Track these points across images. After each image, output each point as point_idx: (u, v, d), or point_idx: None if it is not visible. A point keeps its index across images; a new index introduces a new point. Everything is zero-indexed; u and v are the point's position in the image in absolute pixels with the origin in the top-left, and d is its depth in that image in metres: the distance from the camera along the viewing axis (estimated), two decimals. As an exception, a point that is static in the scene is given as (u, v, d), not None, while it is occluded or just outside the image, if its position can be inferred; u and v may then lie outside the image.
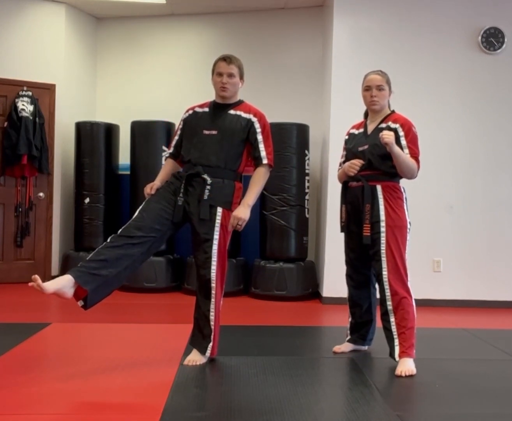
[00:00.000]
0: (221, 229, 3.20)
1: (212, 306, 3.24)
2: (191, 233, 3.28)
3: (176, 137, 3.44)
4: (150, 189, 3.32)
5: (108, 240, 3.13)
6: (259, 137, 3.27)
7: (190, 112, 3.40)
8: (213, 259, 3.19)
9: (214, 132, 3.25)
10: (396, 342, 3.23)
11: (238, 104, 3.35)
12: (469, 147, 5.51)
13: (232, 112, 3.30)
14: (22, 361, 3.29)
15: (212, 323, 3.25)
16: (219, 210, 3.20)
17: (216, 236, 3.19)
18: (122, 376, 3.05)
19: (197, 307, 3.31)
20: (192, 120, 3.35)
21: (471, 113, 5.51)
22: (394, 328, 3.24)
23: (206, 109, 3.35)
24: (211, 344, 3.27)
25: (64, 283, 2.93)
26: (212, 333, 3.26)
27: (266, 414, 2.53)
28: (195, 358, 3.27)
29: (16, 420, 2.45)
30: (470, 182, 5.51)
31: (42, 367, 3.24)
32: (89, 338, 3.96)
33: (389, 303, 3.23)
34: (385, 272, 3.23)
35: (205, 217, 3.17)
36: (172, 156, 3.45)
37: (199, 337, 3.29)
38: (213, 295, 3.23)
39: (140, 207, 3.29)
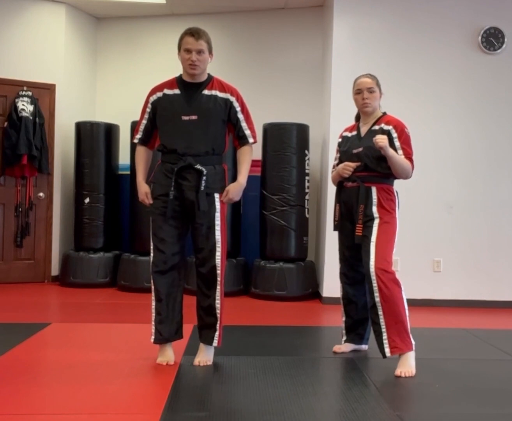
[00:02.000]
0: (221, 214, 3.22)
1: (218, 293, 3.22)
2: (191, 224, 3.25)
3: (144, 121, 3.29)
4: (147, 199, 3.28)
5: (153, 294, 3.27)
6: (240, 116, 3.23)
7: (159, 94, 3.22)
8: (217, 245, 3.20)
9: (194, 117, 3.14)
10: (384, 336, 3.18)
11: (209, 81, 3.21)
12: (469, 147, 5.51)
13: (207, 92, 3.18)
14: (22, 361, 3.29)
15: (218, 311, 3.23)
16: (216, 196, 3.20)
17: (217, 222, 3.20)
18: (122, 376, 3.04)
19: (199, 301, 3.27)
20: (164, 104, 3.20)
21: (471, 113, 5.51)
22: (382, 322, 3.18)
23: (177, 91, 3.19)
24: (217, 333, 3.25)
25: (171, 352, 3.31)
26: (218, 322, 3.24)
27: (266, 414, 2.53)
28: (204, 358, 3.25)
29: (16, 420, 2.45)
30: (470, 182, 5.51)
31: (42, 367, 3.24)
32: (89, 338, 3.95)
33: (376, 295, 3.18)
34: (372, 262, 3.20)
35: (205, 209, 3.15)
36: (142, 141, 3.32)
37: (205, 329, 3.27)
38: (218, 282, 3.22)
39: (153, 237, 3.24)
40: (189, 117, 3.15)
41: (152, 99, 3.25)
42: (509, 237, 5.49)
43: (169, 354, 3.26)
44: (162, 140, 3.24)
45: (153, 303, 3.25)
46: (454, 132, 5.51)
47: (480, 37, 5.46)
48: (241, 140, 3.26)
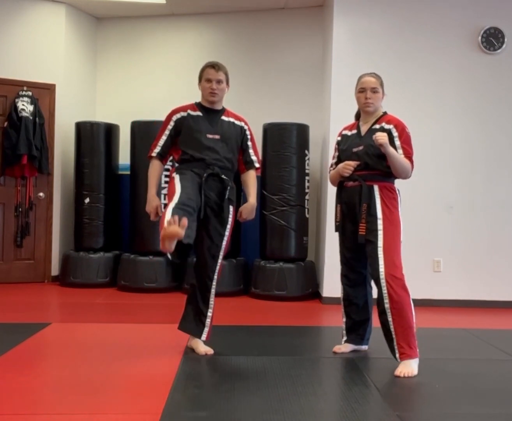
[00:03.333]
0: (231, 226, 3.47)
1: (212, 296, 3.47)
2: (203, 227, 3.38)
3: (164, 137, 3.49)
4: (155, 213, 3.42)
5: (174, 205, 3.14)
6: (249, 143, 3.57)
7: (183, 114, 3.48)
8: (221, 253, 3.46)
9: (217, 136, 3.43)
10: (395, 342, 3.21)
11: (225, 110, 3.54)
12: (469, 147, 5.51)
13: (225, 118, 3.50)
14: (22, 361, 3.29)
15: (211, 310, 3.47)
16: (231, 208, 3.46)
17: (227, 232, 3.46)
18: (122, 376, 3.05)
19: (193, 297, 3.50)
20: (189, 122, 3.45)
21: (471, 113, 5.51)
22: (392, 328, 3.20)
23: (199, 113, 3.47)
24: (207, 329, 3.48)
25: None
26: (210, 319, 3.48)
27: (266, 413, 2.53)
28: (206, 348, 3.47)
29: (16, 420, 2.45)
30: (470, 182, 5.51)
31: (42, 367, 3.24)
32: (89, 338, 3.95)
33: (386, 301, 3.19)
34: (381, 269, 3.21)
35: (227, 215, 3.42)
36: (160, 156, 3.50)
37: (195, 323, 3.48)
38: (213, 286, 3.47)
39: (181, 188, 3.25)
40: (213, 136, 3.43)
41: (175, 117, 3.49)
42: (509, 237, 5.49)
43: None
44: (187, 150, 3.42)
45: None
46: (454, 132, 5.51)
47: (480, 37, 5.46)
48: (248, 164, 3.57)
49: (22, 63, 6.20)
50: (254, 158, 3.57)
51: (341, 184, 3.46)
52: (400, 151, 3.26)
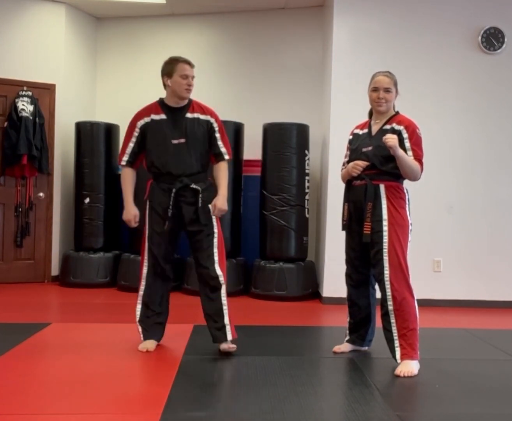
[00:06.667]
0: (217, 223, 3.48)
1: (224, 294, 3.44)
2: (189, 234, 3.49)
3: (131, 144, 3.51)
4: (134, 221, 3.52)
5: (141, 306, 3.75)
6: (217, 135, 3.51)
7: (147, 120, 3.48)
8: (214, 250, 3.45)
9: (182, 140, 3.42)
10: (396, 343, 3.21)
11: (190, 104, 3.50)
12: (469, 147, 5.51)
13: (189, 115, 3.46)
14: (22, 361, 3.29)
15: (225, 309, 3.44)
16: (210, 208, 3.45)
17: (215, 230, 3.47)
18: (122, 376, 3.05)
19: (204, 304, 3.49)
20: (153, 129, 3.45)
21: (471, 113, 5.51)
22: (394, 329, 3.22)
23: (163, 116, 3.46)
24: (228, 328, 3.45)
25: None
26: (227, 317, 3.44)
27: (266, 413, 2.53)
28: (228, 345, 3.45)
29: (16, 420, 2.45)
30: (470, 182, 5.51)
31: (42, 367, 3.24)
32: (89, 338, 3.96)
33: (389, 303, 3.20)
34: (386, 271, 3.21)
35: (206, 222, 3.42)
36: (130, 164, 3.53)
37: (218, 329, 3.45)
38: (222, 286, 3.44)
39: (148, 254, 3.63)
40: (178, 141, 3.42)
41: (140, 124, 3.50)
42: (509, 237, 5.49)
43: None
44: (154, 162, 3.46)
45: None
46: (454, 132, 5.51)
47: (480, 37, 5.46)
48: (218, 157, 3.53)
49: (22, 63, 6.19)
50: (223, 150, 3.52)
51: (349, 183, 3.45)
52: (410, 153, 3.24)
